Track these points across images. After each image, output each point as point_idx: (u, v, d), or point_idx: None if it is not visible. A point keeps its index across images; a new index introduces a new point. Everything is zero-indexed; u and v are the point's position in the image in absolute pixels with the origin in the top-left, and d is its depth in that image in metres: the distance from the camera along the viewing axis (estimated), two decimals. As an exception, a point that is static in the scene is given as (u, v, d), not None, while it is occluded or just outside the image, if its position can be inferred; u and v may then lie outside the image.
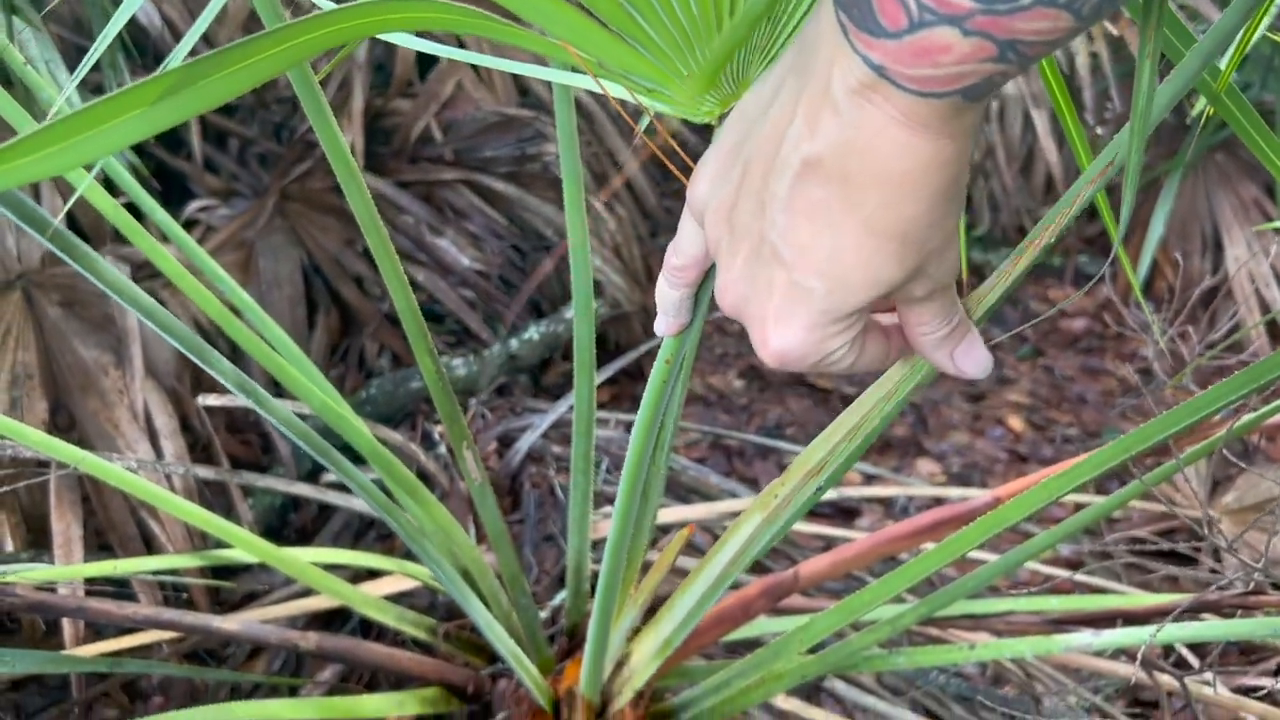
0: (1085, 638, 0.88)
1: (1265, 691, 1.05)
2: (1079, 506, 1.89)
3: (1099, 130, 2.50)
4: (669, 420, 0.98)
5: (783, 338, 0.45)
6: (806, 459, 0.77)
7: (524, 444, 1.45)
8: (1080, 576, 1.51)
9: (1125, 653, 1.17)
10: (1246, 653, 1.57)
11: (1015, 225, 2.53)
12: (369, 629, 1.34)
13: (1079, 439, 2.09)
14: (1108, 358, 2.32)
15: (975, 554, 1.46)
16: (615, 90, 0.52)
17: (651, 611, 0.99)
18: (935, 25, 0.35)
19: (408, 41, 0.63)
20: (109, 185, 0.92)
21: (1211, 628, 0.86)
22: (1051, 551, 1.74)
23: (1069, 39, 0.36)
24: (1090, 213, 2.57)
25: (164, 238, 0.95)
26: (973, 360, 0.52)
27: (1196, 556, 1.56)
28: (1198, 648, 1.57)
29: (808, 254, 0.43)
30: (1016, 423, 2.13)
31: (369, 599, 1.05)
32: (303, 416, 1.41)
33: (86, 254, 0.62)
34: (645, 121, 0.68)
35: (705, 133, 0.53)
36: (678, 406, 0.98)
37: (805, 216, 0.42)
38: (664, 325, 0.58)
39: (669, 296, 0.56)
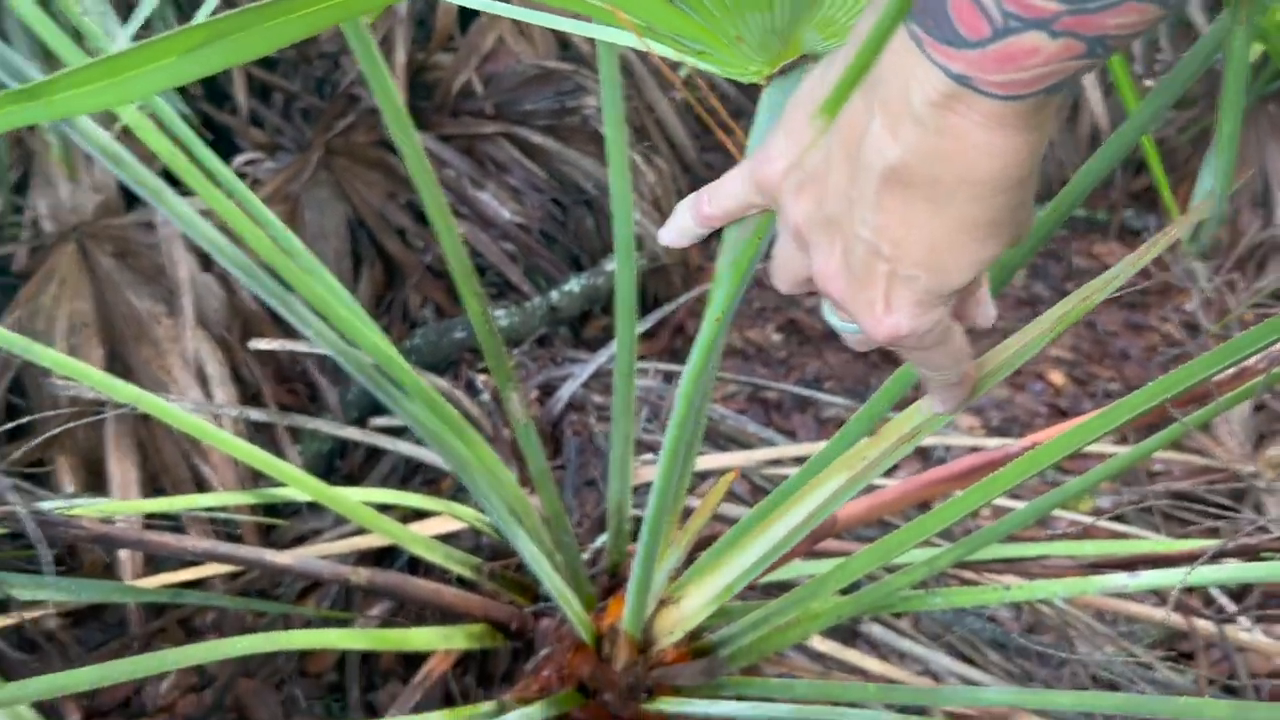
0: (1120, 579, 0.89)
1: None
2: (1119, 460, 1.89)
3: (1147, 82, 2.46)
4: (710, 367, 1.00)
5: (897, 318, 0.47)
6: (901, 424, 0.79)
7: (565, 392, 1.47)
8: (1119, 527, 1.52)
9: (1163, 601, 1.18)
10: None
11: (1060, 178, 2.49)
12: (416, 569, 1.38)
13: (1121, 394, 2.07)
14: (1152, 313, 2.29)
15: (1011, 503, 1.47)
16: (662, 51, 0.53)
17: (693, 554, 1.01)
18: (1021, 31, 0.36)
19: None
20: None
21: (1247, 569, 0.87)
22: (1091, 505, 1.75)
23: (1154, 26, 0.37)
24: (1137, 166, 2.54)
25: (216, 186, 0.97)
26: (987, 309, 0.56)
27: (1238, 509, 1.55)
28: (1238, 598, 1.57)
29: (904, 249, 0.44)
30: (1057, 377, 2.12)
31: (418, 538, 1.08)
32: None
33: (158, 187, 0.64)
34: (684, 72, 0.69)
35: (747, 87, 0.54)
36: (716, 358, 1.00)
37: (896, 217, 0.44)
38: (670, 238, 0.59)
39: (689, 229, 0.58)
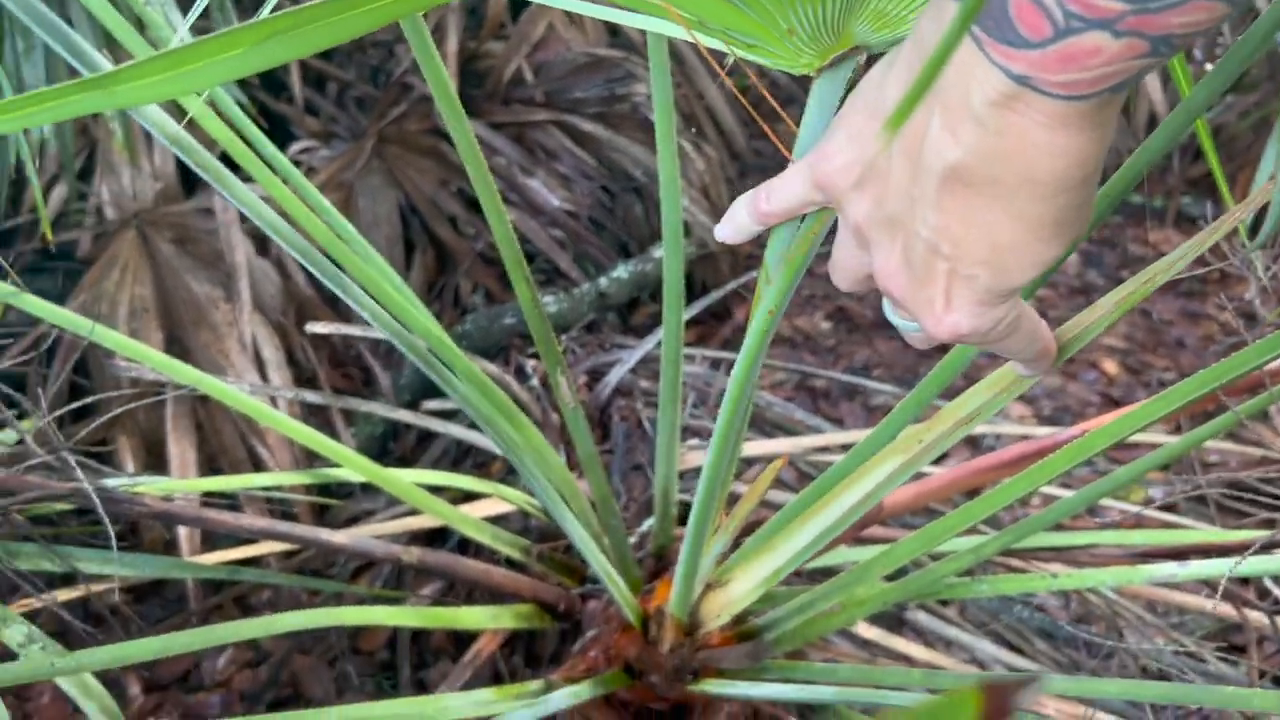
0: (1170, 568, 0.88)
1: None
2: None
3: (1207, 66, 2.41)
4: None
5: (957, 316, 0.47)
6: (958, 407, 0.79)
7: (613, 378, 1.48)
8: (1172, 518, 1.50)
9: (1215, 592, 1.16)
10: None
11: (1116, 165, 2.45)
12: (466, 550, 1.40)
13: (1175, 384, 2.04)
14: (1209, 302, 2.26)
15: (1061, 492, 1.46)
16: (713, 45, 0.53)
17: (739, 540, 1.02)
18: (1084, 31, 0.35)
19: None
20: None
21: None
22: (1143, 495, 1.73)
23: (1220, 23, 0.36)
24: (1195, 153, 2.49)
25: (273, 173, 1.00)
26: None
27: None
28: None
29: (965, 248, 0.44)
30: (1111, 366, 2.10)
31: (468, 519, 1.10)
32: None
33: (219, 170, 0.66)
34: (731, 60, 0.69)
35: (798, 75, 0.54)
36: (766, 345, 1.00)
37: (956, 216, 0.44)
38: (726, 234, 0.59)
39: (746, 226, 0.57)
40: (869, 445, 0.83)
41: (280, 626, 0.82)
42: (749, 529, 0.95)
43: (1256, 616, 0.95)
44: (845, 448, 1.46)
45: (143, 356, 0.96)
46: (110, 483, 0.94)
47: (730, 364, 1.03)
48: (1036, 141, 0.40)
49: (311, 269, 0.62)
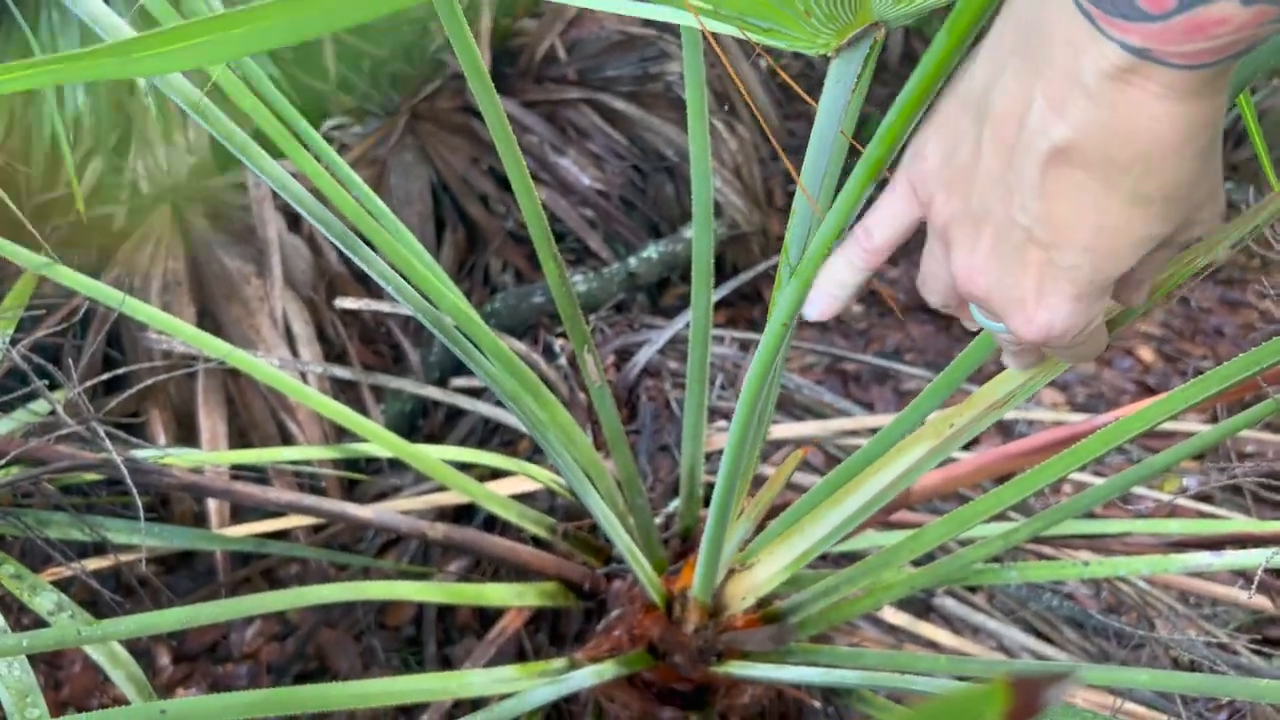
0: (1204, 558, 0.87)
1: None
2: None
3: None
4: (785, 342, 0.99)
5: (1051, 313, 0.45)
6: (990, 391, 0.77)
7: (641, 358, 1.48)
8: (1207, 508, 1.48)
9: (1249, 584, 1.15)
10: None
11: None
12: (492, 527, 1.41)
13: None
14: (1249, 290, 2.21)
15: (1094, 480, 1.44)
16: (728, 31, 0.52)
17: (763, 523, 1.01)
18: (1213, 1, 0.35)
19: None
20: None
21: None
22: (1178, 486, 1.70)
23: None
24: (1238, 137, 2.44)
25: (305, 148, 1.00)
26: (1141, 293, 0.52)
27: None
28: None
29: (1069, 233, 0.43)
30: (1147, 354, 2.06)
31: (494, 496, 1.10)
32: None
33: (244, 141, 0.66)
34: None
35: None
36: (793, 325, 0.99)
37: (1062, 199, 0.42)
38: (822, 307, 0.55)
39: (846, 281, 0.54)
40: (896, 429, 0.82)
41: (306, 600, 0.82)
42: (773, 513, 0.94)
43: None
44: (874, 431, 1.45)
45: (174, 329, 0.96)
46: (139, 454, 0.95)
47: (786, 343, 1.03)
48: (1154, 113, 0.38)
49: (338, 243, 0.61)
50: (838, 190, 0.54)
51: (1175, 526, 1.01)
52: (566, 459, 0.83)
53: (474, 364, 0.72)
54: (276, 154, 0.87)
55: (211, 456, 1.11)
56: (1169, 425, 1.62)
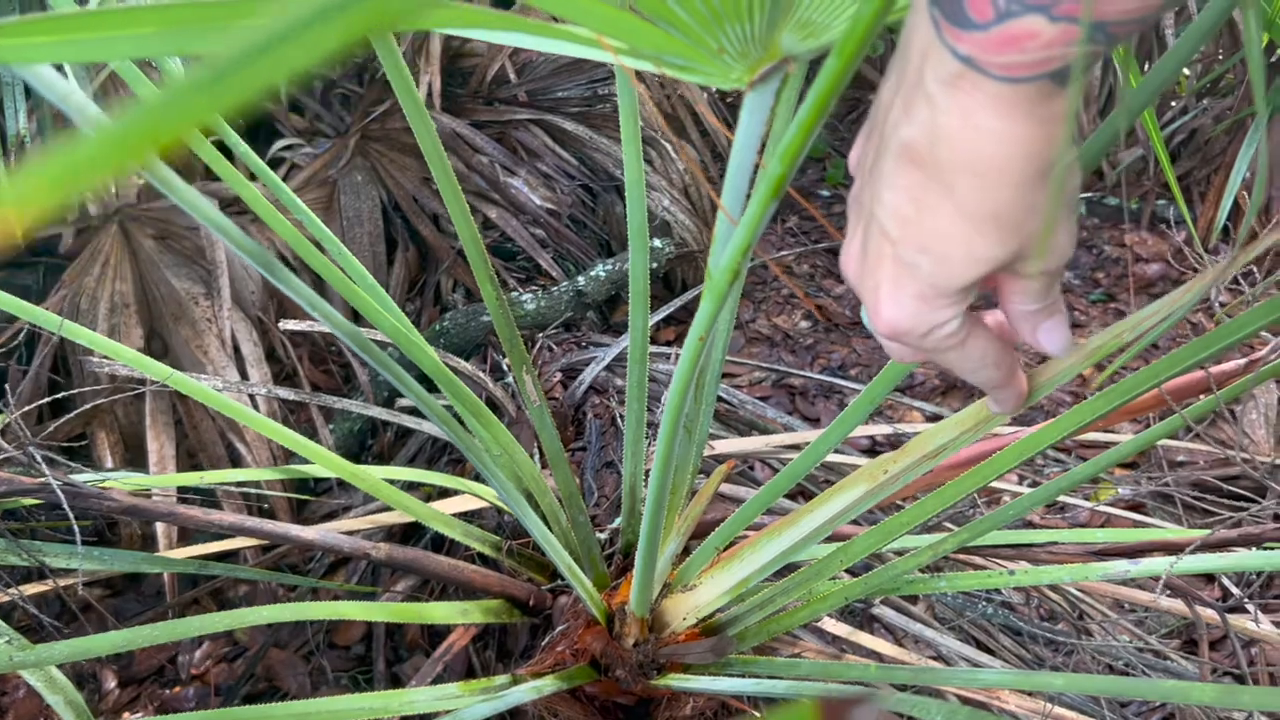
0: (1122, 565, 0.90)
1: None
2: (1144, 451, 1.88)
3: (1185, 71, 2.43)
4: (715, 356, 1.02)
5: (893, 308, 0.47)
6: (925, 442, 0.80)
7: (588, 376, 1.50)
8: (1140, 517, 1.52)
9: (1177, 590, 1.18)
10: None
11: (1093, 168, 2.48)
12: (441, 546, 1.42)
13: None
14: (1197, 277, 2.27)
15: (1026, 491, 1.48)
16: (645, 68, 0.54)
17: (699, 536, 1.03)
18: (1023, 14, 0.37)
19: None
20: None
21: (1247, 558, 0.87)
22: (1113, 494, 1.74)
23: (1159, 15, 0.37)
24: (1171, 156, 2.51)
25: (251, 175, 1.01)
26: (1056, 339, 0.52)
27: (1260, 500, 1.55)
28: (1260, 591, 1.56)
29: (910, 230, 0.44)
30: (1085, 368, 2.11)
31: (437, 515, 1.11)
32: (381, 345, 1.48)
33: (156, 164, 0.67)
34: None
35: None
36: (723, 344, 1.02)
37: (906, 195, 0.44)
38: (1010, 398, 0.57)
39: (901, 353, 0.53)
40: (822, 444, 0.84)
41: (245, 621, 0.83)
42: (708, 526, 0.96)
43: (1206, 612, 0.97)
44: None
45: (114, 352, 0.97)
46: (80, 478, 0.95)
47: (719, 361, 1.05)
48: (979, 125, 0.40)
49: (257, 267, 0.63)
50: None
51: (1100, 536, 1.04)
52: (500, 478, 0.85)
53: (401, 385, 0.73)
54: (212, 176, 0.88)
55: (155, 479, 1.12)
56: (1105, 437, 1.66)
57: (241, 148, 0.96)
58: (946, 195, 0.43)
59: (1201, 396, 0.89)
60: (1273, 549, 0.94)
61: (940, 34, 0.39)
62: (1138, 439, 0.84)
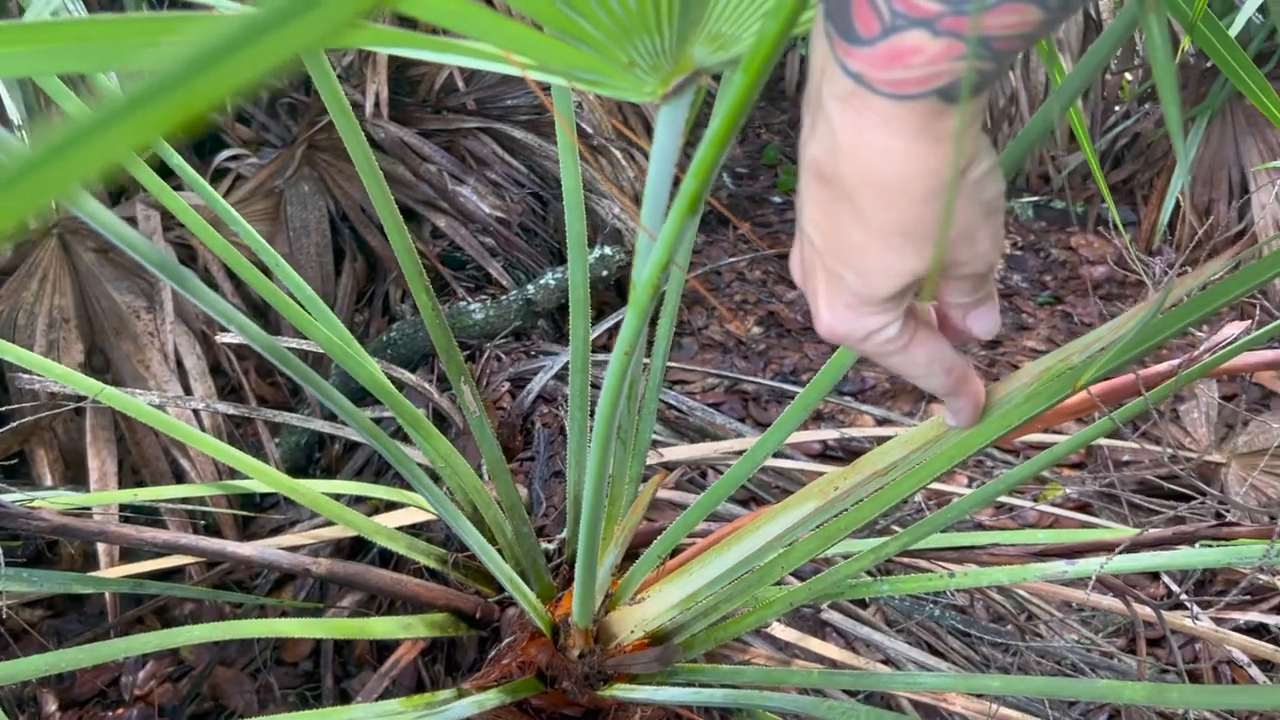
0: (1060, 566, 0.91)
1: (1244, 624, 1.07)
2: (1090, 451, 1.90)
3: (1128, 76, 2.47)
4: (656, 364, 1.02)
5: (829, 315, 0.47)
6: (876, 459, 0.80)
7: (536, 385, 1.49)
8: (1084, 517, 1.53)
9: (1121, 589, 1.20)
10: (1252, 594, 1.58)
11: (1039, 173, 2.51)
12: (388, 561, 1.40)
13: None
14: (1127, 305, 2.31)
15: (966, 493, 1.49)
16: (557, 82, 0.53)
17: (644, 544, 1.03)
18: (907, 29, 0.36)
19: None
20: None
21: (1178, 556, 0.89)
22: (1060, 494, 1.76)
23: (1042, 32, 0.37)
24: (1115, 160, 2.55)
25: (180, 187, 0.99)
26: (985, 323, 0.53)
27: (1200, 497, 1.57)
28: (1199, 589, 1.59)
29: (830, 244, 0.45)
30: (1034, 369, 2.13)
31: (380, 528, 1.10)
32: (320, 357, 1.47)
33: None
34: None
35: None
36: (664, 351, 1.02)
37: (821, 211, 0.44)
38: (965, 408, 0.58)
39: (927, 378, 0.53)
40: (759, 450, 0.84)
41: (175, 640, 0.82)
42: (650, 536, 0.96)
43: (1143, 610, 0.98)
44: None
45: (43, 369, 0.95)
46: (10, 497, 0.93)
47: (660, 369, 1.05)
48: (871, 142, 0.40)
49: (170, 282, 0.62)
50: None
51: (1040, 536, 1.05)
52: (433, 491, 0.84)
53: (324, 397, 0.72)
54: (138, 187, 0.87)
55: (87, 498, 1.10)
56: (1047, 438, 1.68)
57: (175, 159, 0.95)
58: (853, 212, 0.43)
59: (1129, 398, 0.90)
60: (1209, 546, 0.95)
61: (834, 50, 0.39)
62: (1071, 440, 0.84)
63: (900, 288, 0.45)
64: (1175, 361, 0.95)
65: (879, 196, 0.42)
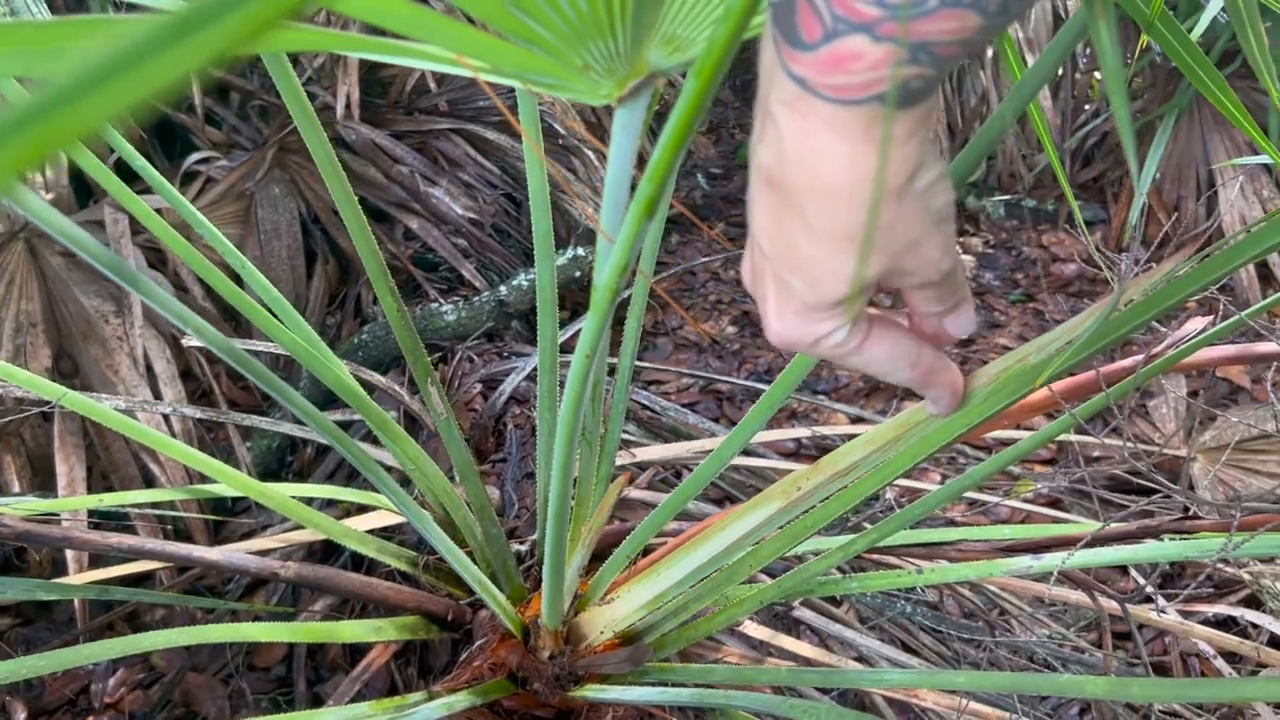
0: (1025, 561, 0.92)
1: (1211, 617, 1.08)
2: (1061, 447, 1.92)
3: (1097, 75, 2.49)
4: (624, 364, 1.02)
5: (777, 322, 0.47)
6: (837, 459, 0.80)
7: (508, 386, 1.49)
8: (1056, 513, 1.54)
9: (1087, 584, 1.20)
10: (1219, 586, 1.60)
11: (1009, 172, 2.53)
12: (360, 564, 1.39)
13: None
14: (1098, 301, 2.32)
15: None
16: (513, 84, 0.53)
17: (614, 545, 1.03)
18: (848, 34, 0.36)
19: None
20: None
21: (1141, 550, 0.89)
22: (1032, 490, 1.77)
23: (983, 38, 0.36)
24: (1085, 159, 2.57)
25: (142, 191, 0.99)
26: (960, 325, 0.52)
27: (1171, 492, 1.58)
28: (1169, 583, 1.60)
29: (779, 251, 0.45)
30: (1006, 366, 2.15)
31: (350, 531, 1.09)
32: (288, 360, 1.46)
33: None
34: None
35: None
36: (631, 351, 1.02)
37: (770, 216, 0.44)
38: (942, 398, 0.58)
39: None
40: (725, 450, 0.84)
41: (139, 646, 0.81)
42: (619, 537, 0.96)
43: (1108, 603, 0.99)
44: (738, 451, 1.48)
45: (6, 374, 0.94)
46: (-28, 504, 0.92)
47: (628, 370, 1.05)
48: (816, 147, 0.40)
49: (126, 286, 0.61)
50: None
51: (1007, 532, 1.06)
52: (398, 493, 0.84)
53: (283, 399, 0.72)
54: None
55: (52, 504, 1.09)
56: (1017, 434, 1.69)
57: (138, 161, 0.94)
58: (800, 218, 0.43)
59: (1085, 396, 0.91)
60: (1173, 540, 0.96)
61: (780, 54, 0.39)
62: (1035, 436, 0.85)
63: (847, 293, 0.45)
64: (1139, 357, 0.96)
65: (824, 201, 0.41)
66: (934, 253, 0.45)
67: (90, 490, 1.50)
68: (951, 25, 0.36)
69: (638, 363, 1.83)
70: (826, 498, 0.82)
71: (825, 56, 0.37)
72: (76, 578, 1.14)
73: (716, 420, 1.85)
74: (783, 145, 0.41)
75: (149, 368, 1.61)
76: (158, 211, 0.89)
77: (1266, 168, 2.11)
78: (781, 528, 0.84)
